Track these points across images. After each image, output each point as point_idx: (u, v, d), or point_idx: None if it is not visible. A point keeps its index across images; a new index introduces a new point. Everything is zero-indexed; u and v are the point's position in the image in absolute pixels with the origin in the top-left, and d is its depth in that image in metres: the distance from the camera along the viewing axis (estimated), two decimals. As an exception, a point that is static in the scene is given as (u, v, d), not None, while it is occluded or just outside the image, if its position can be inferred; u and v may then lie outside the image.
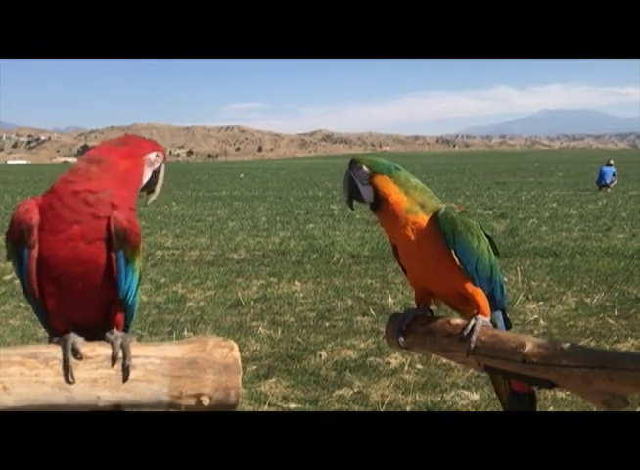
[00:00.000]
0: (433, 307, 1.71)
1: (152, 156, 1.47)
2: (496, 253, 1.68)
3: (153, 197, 1.52)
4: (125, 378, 1.27)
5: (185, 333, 5.15)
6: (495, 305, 1.64)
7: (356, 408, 3.71)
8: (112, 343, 1.31)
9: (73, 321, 1.35)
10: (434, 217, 1.55)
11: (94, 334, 1.35)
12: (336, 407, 3.73)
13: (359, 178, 1.62)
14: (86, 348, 1.28)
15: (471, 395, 3.85)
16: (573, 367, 1.25)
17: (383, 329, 5.04)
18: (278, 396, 3.90)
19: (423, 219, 1.56)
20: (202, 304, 6.20)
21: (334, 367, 4.37)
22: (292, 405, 3.77)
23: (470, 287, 1.58)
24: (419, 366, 4.34)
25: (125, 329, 1.42)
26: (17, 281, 7.19)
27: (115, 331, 1.36)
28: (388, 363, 4.40)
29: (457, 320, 1.58)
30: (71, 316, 1.36)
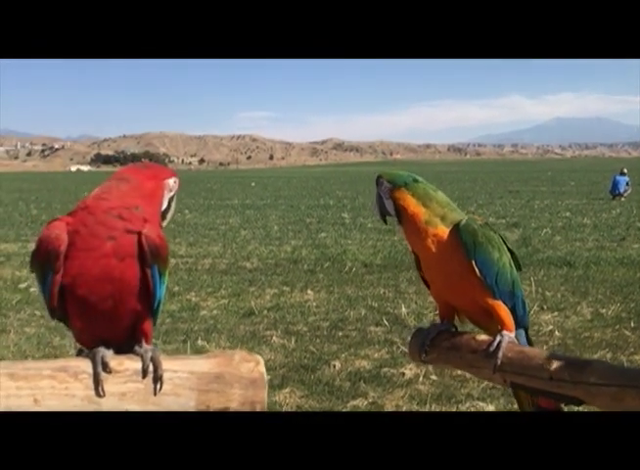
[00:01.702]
0: (457, 323, 1.71)
1: (171, 181, 1.52)
2: (518, 268, 1.67)
3: (163, 224, 1.55)
4: (158, 390, 1.28)
5: (199, 342, 5.17)
6: (517, 322, 1.63)
7: (371, 419, 3.71)
8: (141, 356, 1.32)
9: (101, 337, 1.37)
10: (455, 228, 1.56)
11: (119, 348, 1.37)
12: (350, 418, 3.72)
13: (383, 193, 1.64)
14: (115, 361, 1.30)
15: (486, 406, 3.83)
16: (602, 385, 1.25)
17: (396, 339, 5.08)
18: (292, 406, 3.90)
19: (443, 231, 1.56)
20: (215, 312, 6.22)
21: (348, 377, 4.37)
22: (306, 416, 3.78)
23: (490, 300, 1.58)
24: (433, 377, 4.32)
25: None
26: (32, 289, 7.24)
27: (144, 344, 1.37)
28: (403, 374, 4.39)
29: (482, 336, 1.57)
30: (99, 333, 1.37)
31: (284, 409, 3.80)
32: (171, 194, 1.53)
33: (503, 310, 1.58)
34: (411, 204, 1.58)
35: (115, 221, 1.35)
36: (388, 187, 1.62)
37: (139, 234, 1.36)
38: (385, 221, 1.70)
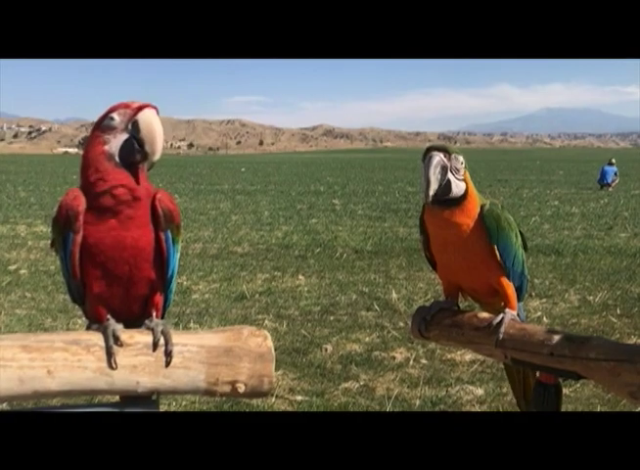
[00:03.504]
0: (460, 302, 1.76)
1: (106, 122, 1.35)
2: (525, 249, 1.71)
3: (154, 157, 1.35)
4: (168, 363, 1.31)
5: (191, 325, 5.19)
6: (519, 297, 1.68)
7: (362, 401, 3.76)
8: (152, 330, 1.35)
9: (113, 309, 1.39)
10: (480, 213, 1.57)
11: (130, 323, 1.39)
12: (342, 400, 3.77)
13: (456, 172, 1.55)
14: (125, 335, 1.32)
15: (475, 389, 3.90)
16: (601, 360, 1.29)
17: (387, 324, 5.13)
18: (285, 388, 3.94)
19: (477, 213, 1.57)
20: (207, 296, 6.24)
21: (339, 361, 4.42)
22: (298, 397, 3.82)
23: (504, 281, 1.62)
24: (424, 361, 4.38)
25: (162, 315, 1.47)
26: (22, 271, 7.23)
27: (154, 319, 1.40)
28: (394, 358, 4.45)
29: (484, 314, 1.62)
30: (113, 303, 1.40)
31: (277, 391, 3.84)
32: (119, 130, 1.33)
33: (511, 290, 1.63)
34: (472, 186, 1.57)
35: (121, 206, 1.35)
36: (462, 169, 1.55)
37: (153, 199, 1.38)
38: (433, 200, 1.53)
